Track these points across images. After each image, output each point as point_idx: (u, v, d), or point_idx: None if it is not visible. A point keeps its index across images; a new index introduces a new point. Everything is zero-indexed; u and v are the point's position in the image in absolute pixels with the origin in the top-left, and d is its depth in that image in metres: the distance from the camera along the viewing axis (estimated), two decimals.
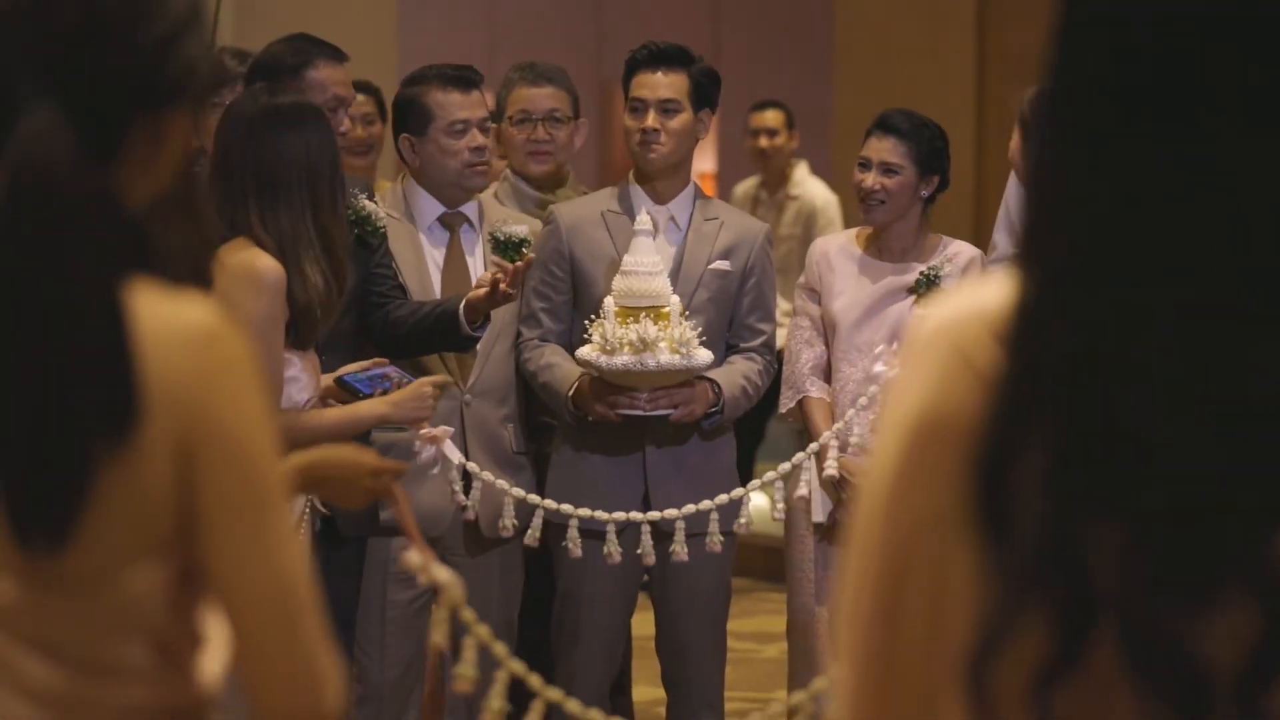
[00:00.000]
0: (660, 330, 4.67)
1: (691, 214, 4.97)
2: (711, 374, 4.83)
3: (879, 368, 4.85)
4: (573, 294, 4.92)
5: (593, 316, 4.77)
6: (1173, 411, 1.36)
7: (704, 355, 4.74)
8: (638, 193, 4.95)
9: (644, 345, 4.65)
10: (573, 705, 3.62)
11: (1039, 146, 1.43)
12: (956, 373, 1.44)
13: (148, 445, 1.74)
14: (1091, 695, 1.39)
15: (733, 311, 4.96)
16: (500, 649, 3.33)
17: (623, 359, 4.66)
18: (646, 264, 4.72)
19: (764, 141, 8.83)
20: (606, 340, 4.67)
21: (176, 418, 1.75)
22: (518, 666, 3.38)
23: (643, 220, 4.77)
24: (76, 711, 1.80)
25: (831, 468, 4.88)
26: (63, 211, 1.73)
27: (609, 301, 4.72)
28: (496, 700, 3.25)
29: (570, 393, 4.79)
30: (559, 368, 4.84)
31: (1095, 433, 1.37)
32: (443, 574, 2.77)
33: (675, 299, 4.74)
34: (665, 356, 4.66)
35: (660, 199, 4.95)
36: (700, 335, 4.75)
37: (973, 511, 1.41)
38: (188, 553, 1.80)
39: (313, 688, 1.80)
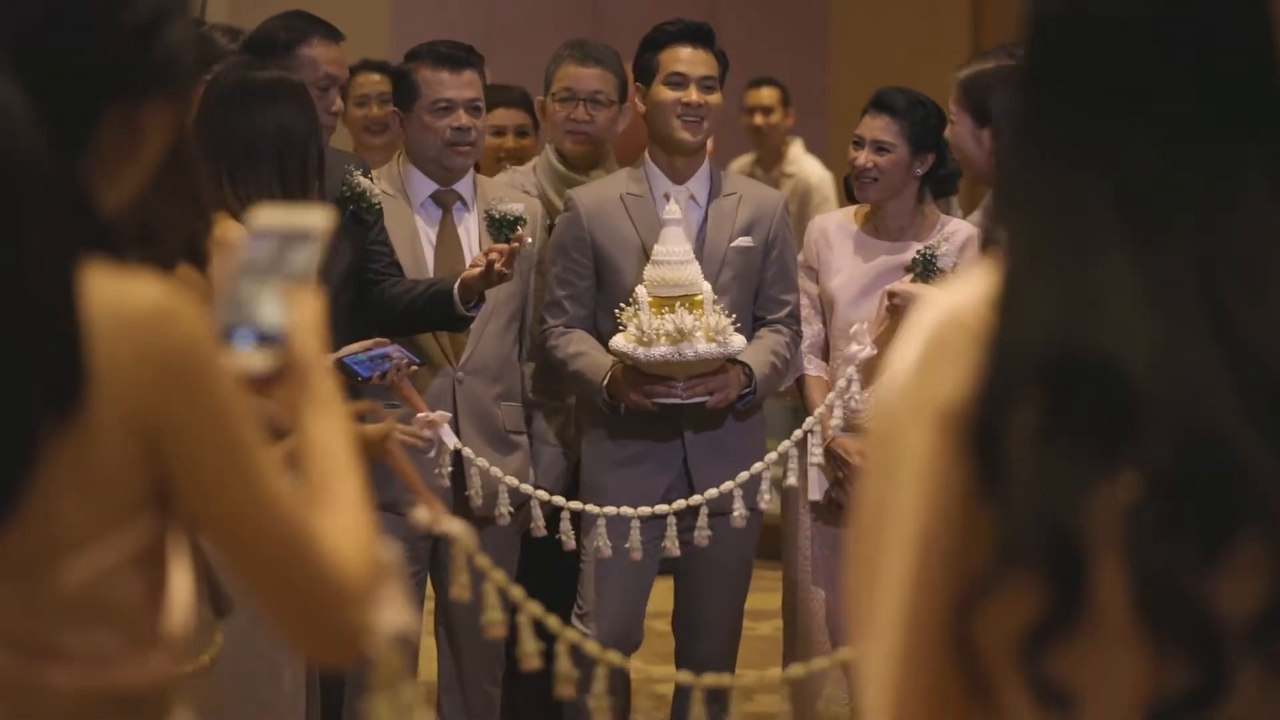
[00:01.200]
0: (696, 320, 4.67)
1: (710, 190, 4.96)
2: (741, 355, 4.83)
3: (854, 347, 4.85)
4: (595, 279, 4.91)
5: (622, 305, 4.77)
6: (1169, 359, 1.38)
7: (739, 341, 4.76)
8: (655, 173, 4.94)
9: (681, 336, 4.66)
10: (591, 646, 3.65)
11: (1010, 128, 1.48)
12: (958, 350, 1.46)
13: (100, 426, 1.70)
14: (1088, 661, 1.40)
15: (758, 284, 4.96)
16: (517, 592, 3.36)
17: (661, 350, 4.67)
18: (679, 253, 4.72)
19: (759, 119, 8.83)
20: (643, 332, 4.68)
21: (132, 398, 1.71)
22: (536, 608, 3.42)
23: (672, 209, 4.76)
24: (22, 697, 1.76)
25: (816, 457, 4.88)
26: (19, 190, 1.67)
27: (642, 291, 4.72)
28: (529, 643, 3.30)
29: (604, 382, 4.79)
30: (589, 356, 4.84)
31: (1093, 389, 1.38)
32: (454, 525, 2.78)
33: (707, 286, 4.74)
34: (703, 345, 4.68)
35: (679, 178, 4.94)
36: (733, 319, 4.75)
37: (969, 478, 1.42)
38: (161, 518, 1.77)
39: (331, 606, 1.77)
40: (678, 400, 4.76)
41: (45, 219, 1.68)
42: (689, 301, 4.69)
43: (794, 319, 4.99)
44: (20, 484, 1.69)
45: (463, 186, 4.94)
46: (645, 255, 4.83)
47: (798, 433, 4.88)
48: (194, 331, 1.73)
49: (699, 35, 4.94)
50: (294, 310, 1.83)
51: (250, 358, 1.82)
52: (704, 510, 4.77)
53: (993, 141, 4.61)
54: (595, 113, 5.19)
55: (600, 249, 4.89)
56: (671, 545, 4.77)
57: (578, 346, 4.86)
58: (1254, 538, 1.37)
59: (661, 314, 4.68)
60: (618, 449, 4.87)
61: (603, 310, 4.87)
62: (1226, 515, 1.37)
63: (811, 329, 5.03)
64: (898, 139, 4.91)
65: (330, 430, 1.85)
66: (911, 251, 4.92)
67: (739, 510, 4.78)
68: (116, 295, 1.71)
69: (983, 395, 1.41)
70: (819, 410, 4.87)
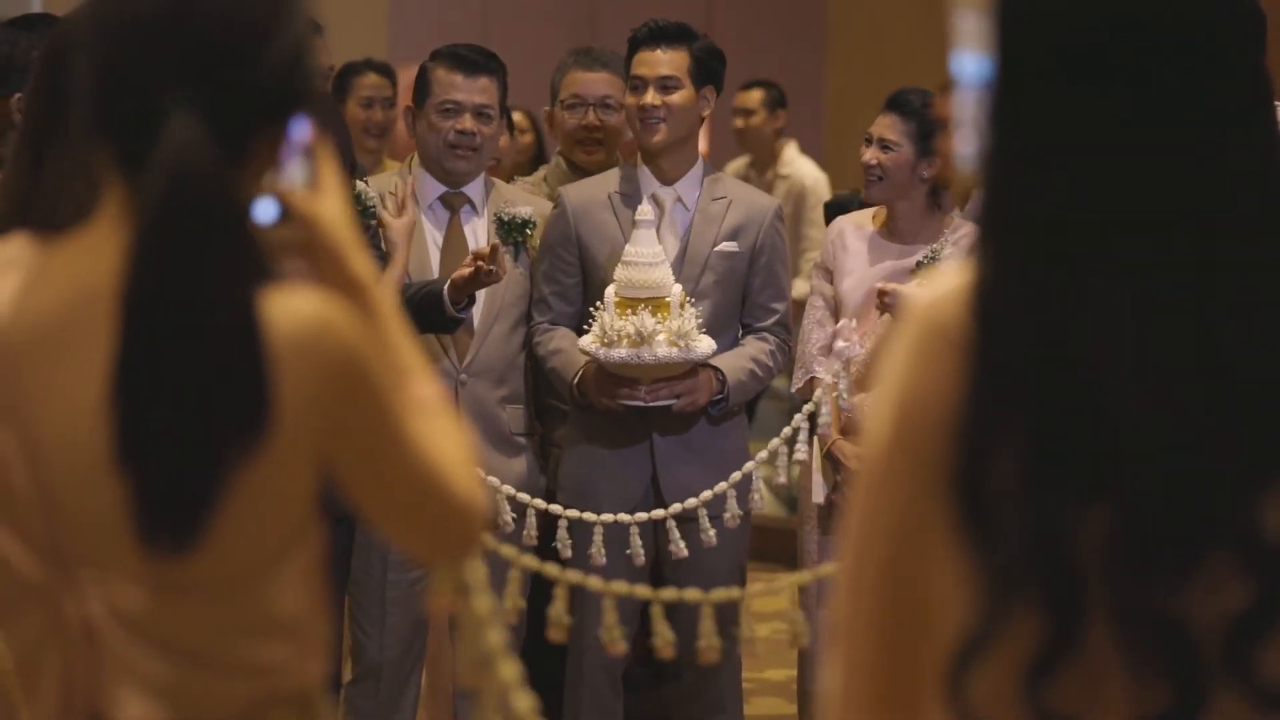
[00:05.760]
0: (658, 322, 4.65)
1: (699, 194, 4.93)
2: (716, 360, 4.80)
3: (840, 344, 4.84)
4: (582, 276, 4.89)
5: (598, 303, 4.75)
6: (1147, 389, 1.38)
7: (704, 346, 4.72)
8: (644, 174, 4.92)
9: (641, 339, 4.64)
10: (594, 582, 3.64)
11: (988, 139, 1.48)
12: (935, 351, 1.47)
13: (280, 449, 1.79)
14: (1080, 685, 1.41)
15: (744, 291, 4.93)
16: (509, 550, 3.36)
17: (621, 352, 4.65)
18: (647, 254, 4.70)
19: (740, 122, 8.83)
20: (605, 332, 4.66)
21: (305, 414, 1.80)
22: (531, 561, 3.39)
23: (644, 210, 4.74)
24: (209, 704, 1.84)
25: (801, 453, 4.85)
26: (213, 220, 1.77)
27: (610, 291, 4.70)
28: (511, 599, 3.28)
29: (575, 380, 4.78)
30: (566, 353, 4.83)
31: (1071, 421, 1.40)
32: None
33: (677, 288, 4.71)
34: (663, 350, 4.65)
35: (666, 179, 4.92)
36: (700, 323, 4.72)
37: (953, 517, 1.43)
38: (322, 527, 1.88)
39: (456, 519, 1.89)
40: (640, 403, 4.74)
41: (235, 249, 1.77)
42: (654, 304, 4.67)
43: (782, 327, 4.97)
44: (210, 515, 1.77)
45: (473, 190, 4.92)
46: None
47: (786, 430, 4.85)
48: (347, 333, 1.82)
49: (661, 36, 4.90)
50: (319, 197, 1.90)
51: (278, 232, 1.86)
52: (670, 523, 4.73)
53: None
54: (605, 118, 5.19)
55: (585, 247, 4.88)
56: (637, 555, 4.72)
57: (557, 344, 4.85)
58: (1226, 563, 1.38)
59: (625, 315, 4.67)
60: (590, 450, 4.85)
61: (589, 307, 4.85)
62: (1201, 543, 1.38)
63: (824, 331, 5.01)
64: (903, 138, 4.90)
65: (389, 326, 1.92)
66: (919, 255, 4.91)
67: (730, 512, 4.74)
68: (280, 316, 1.79)
69: (965, 431, 1.42)
70: (807, 407, 4.86)
